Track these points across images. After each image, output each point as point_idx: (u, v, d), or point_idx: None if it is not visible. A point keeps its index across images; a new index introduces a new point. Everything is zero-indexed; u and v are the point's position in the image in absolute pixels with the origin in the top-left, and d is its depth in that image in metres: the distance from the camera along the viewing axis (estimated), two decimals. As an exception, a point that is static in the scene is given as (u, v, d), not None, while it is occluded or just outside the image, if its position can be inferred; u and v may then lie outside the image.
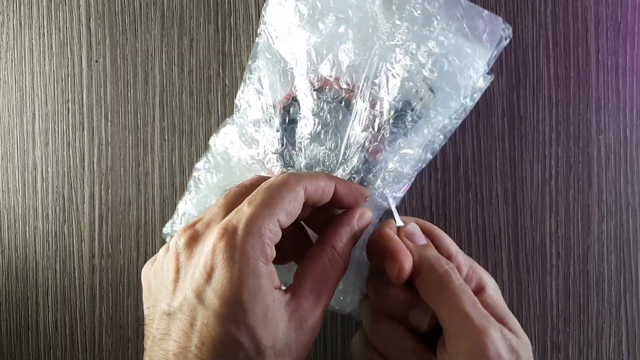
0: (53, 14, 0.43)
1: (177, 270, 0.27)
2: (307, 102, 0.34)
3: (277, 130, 0.35)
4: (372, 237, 0.32)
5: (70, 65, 0.43)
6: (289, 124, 0.35)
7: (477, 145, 0.39)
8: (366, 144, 0.33)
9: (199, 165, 0.38)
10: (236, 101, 0.37)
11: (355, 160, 0.33)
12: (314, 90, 0.34)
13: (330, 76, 0.34)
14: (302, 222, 0.34)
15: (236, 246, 0.25)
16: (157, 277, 0.28)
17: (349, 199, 0.31)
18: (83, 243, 0.43)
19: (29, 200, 0.43)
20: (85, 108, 0.43)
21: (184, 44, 0.42)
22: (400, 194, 0.35)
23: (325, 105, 0.34)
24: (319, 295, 0.28)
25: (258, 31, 0.37)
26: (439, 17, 0.34)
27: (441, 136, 0.35)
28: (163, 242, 0.42)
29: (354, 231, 0.31)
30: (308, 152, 0.34)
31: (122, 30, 0.42)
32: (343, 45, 0.34)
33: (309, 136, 0.34)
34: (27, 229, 0.43)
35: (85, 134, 0.43)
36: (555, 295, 0.39)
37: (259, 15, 0.41)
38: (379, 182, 0.34)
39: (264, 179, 0.29)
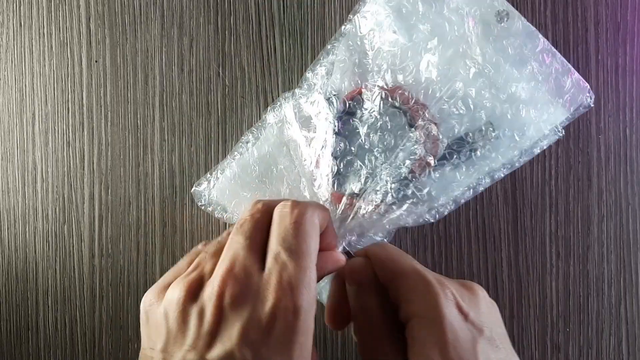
0: (53, 14, 0.43)
1: (218, 322, 0.25)
2: (373, 101, 0.34)
3: (334, 117, 0.34)
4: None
5: (70, 65, 0.43)
6: (346, 114, 0.34)
7: (477, 145, 0.40)
8: (417, 156, 0.32)
9: (246, 135, 0.38)
10: (306, 74, 0.37)
11: (402, 168, 0.33)
12: (384, 91, 0.33)
13: (403, 83, 0.33)
14: None
15: (298, 307, 0.25)
16: (174, 320, 0.26)
17: (328, 235, 0.31)
18: (83, 243, 0.43)
19: (29, 201, 0.43)
20: (85, 108, 0.43)
21: (183, 44, 0.42)
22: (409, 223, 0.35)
23: (390, 109, 0.33)
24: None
25: (349, 16, 0.37)
26: (533, 63, 0.33)
27: (487, 179, 0.35)
28: (162, 242, 0.42)
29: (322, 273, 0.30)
30: (358, 145, 0.34)
31: (122, 31, 0.42)
32: (428, 57, 0.33)
33: (366, 131, 0.33)
34: (27, 229, 0.43)
35: (85, 134, 0.42)
36: (555, 295, 0.39)
37: (259, 15, 0.41)
38: (409, 203, 0.33)
39: (273, 205, 0.29)
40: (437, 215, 0.34)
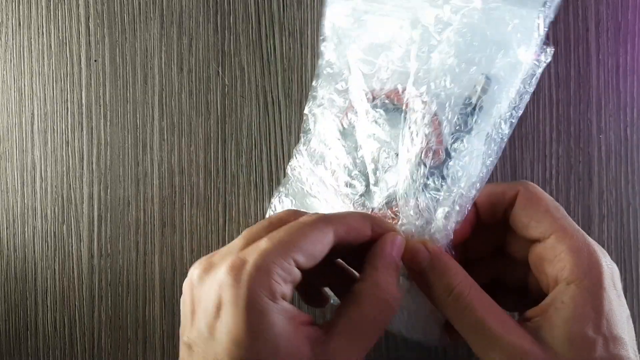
0: (52, 13, 0.43)
1: (192, 302, 0.26)
2: (364, 117, 0.33)
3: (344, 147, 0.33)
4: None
5: (69, 64, 0.43)
6: (347, 139, 0.33)
7: (477, 145, 0.39)
8: (427, 145, 0.31)
9: (279, 191, 0.37)
10: (306, 112, 0.36)
11: (416, 164, 0.31)
12: (371, 102, 0.32)
13: (385, 83, 0.32)
14: (341, 261, 0.32)
15: (241, 282, 0.24)
16: (182, 305, 0.28)
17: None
18: (82, 243, 0.42)
19: (28, 200, 0.43)
20: (84, 108, 0.42)
21: (183, 44, 0.42)
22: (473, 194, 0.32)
23: (384, 114, 0.32)
24: (354, 335, 0.26)
25: (320, 49, 0.35)
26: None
27: (504, 126, 0.32)
28: (162, 242, 0.42)
29: (390, 260, 0.28)
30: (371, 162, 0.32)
31: (122, 30, 0.42)
32: (389, 52, 0.32)
33: (375, 150, 0.32)
34: (26, 229, 0.43)
35: (84, 133, 0.42)
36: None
37: (258, 14, 0.41)
38: (448, 182, 0.31)
39: (295, 214, 0.29)
40: (474, 190, 0.32)
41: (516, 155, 0.39)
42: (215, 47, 0.41)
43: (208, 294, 0.25)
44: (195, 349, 0.26)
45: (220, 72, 0.41)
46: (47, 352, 0.43)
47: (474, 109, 0.31)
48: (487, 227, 0.31)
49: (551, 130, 0.39)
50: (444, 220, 0.31)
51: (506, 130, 0.32)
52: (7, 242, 0.43)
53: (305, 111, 0.36)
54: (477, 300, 0.27)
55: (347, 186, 0.33)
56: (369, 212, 0.32)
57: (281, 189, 0.37)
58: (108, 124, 0.42)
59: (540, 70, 0.32)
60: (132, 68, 0.42)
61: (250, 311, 0.24)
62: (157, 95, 0.42)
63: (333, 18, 0.34)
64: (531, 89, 0.32)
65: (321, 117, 0.35)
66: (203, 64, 0.41)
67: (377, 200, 0.33)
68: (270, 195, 0.40)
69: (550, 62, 0.39)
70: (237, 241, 0.28)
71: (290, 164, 0.36)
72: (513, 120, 0.32)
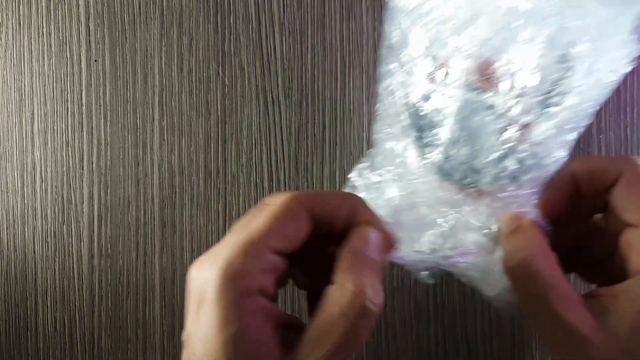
0: (52, 13, 0.43)
1: (188, 298, 0.26)
2: (435, 96, 0.31)
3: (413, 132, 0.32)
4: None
5: (70, 64, 0.43)
6: (419, 124, 0.32)
7: (477, 145, 0.39)
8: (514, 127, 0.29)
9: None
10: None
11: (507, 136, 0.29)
12: (431, 76, 0.30)
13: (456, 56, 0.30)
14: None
15: (216, 278, 0.23)
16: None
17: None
18: (82, 243, 0.42)
19: (28, 200, 0.43)
20: (84, 108, 0.42)
21: (183, 44, 0.42)
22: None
23: (457, 92, 0.30)
24: (322, 345, 0.23)
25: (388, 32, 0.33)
26: None
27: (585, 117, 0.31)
28: (162, 242, 0.42)
29: (364, 260, 0.25)
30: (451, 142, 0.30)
31: (122, 30, 0.42)
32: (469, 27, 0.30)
33: (448, 137, 0.31)
34: (26, 229, 0.43)
35: (85, 133, 0.42)
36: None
37: (258, 14, 0.41)
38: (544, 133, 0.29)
39: (276, 196, 0.27)
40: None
41: (516, 155, 0.39)
42: (215, 47, 0.41)
43: (194, 290, 0.25)
44: (189, 342, 0.25)
45: (220, 72, 0.41)
46: (47, 352, 0.43)
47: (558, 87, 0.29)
48: (586, 197, 0.29)
49: (551, 130, 0.39)
50: (529, 190, 0.30)
51: (586, 119, 0.30)
52: (7, 242, 0.43)
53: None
54: (543, 268, 0.26)
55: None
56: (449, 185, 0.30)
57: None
58: (108, 124, 0.42)
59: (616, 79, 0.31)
60: (132, 68, 0.42)
61: (223, 308, 0.23)
62: (157, 95, 0.42)
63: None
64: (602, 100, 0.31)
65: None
66: (203, 64, 0.41)
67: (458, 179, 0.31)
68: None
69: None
70: (225, 239, 0.27)
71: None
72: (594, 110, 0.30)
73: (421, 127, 0.32)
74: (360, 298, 0.23)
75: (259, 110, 0.41)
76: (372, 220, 0.27)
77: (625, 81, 0.39)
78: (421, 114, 0.32)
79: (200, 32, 0.41)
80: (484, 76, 0.30)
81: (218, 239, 0.41)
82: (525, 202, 0.30)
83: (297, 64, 0.41)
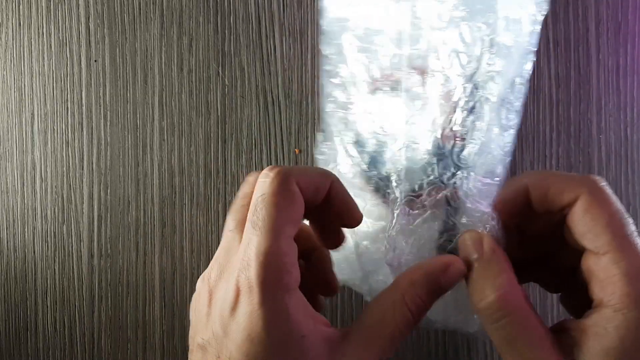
0: (52, 13, 0.43)
1: (209, 304, 0.26)
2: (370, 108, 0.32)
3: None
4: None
5: (70, 64, 0.43)
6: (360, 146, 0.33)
7: (477, 145, 0.39)
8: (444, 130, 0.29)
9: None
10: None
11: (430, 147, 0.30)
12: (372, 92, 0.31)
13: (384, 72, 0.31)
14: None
15: (253, 282, 0.24)
16: (195, 309, 0.28)
17: (346, 207, 0.29)
18: (82, 243, 0.42)
19: (28, 201, 0.43)
20: (84, 108, 0.42)
21: (183, 44, 0.42)
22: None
23: (387, 100, 0.31)
24: (371, 345, 0.25)
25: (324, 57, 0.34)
26: None
27: (512, 96, 0.31)
28: (162, 242, 0.42)
29: (437, 286, 0.26)
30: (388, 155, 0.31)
31: (122, 30, 0.42)
32: (381, 38, 0.31)
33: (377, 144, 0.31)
34: (26, 229, 0.43)
35: (85, 133, 0.42)
36: (555, 295, 0.39)
37: (258, 14, 0.41)
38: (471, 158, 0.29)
39: (256, 177, 0.28)
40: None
41: (516, 156, 0.39)
42: (215, 47, 0.41)
43: (224, 295, 0.25)
44: (209, 349, 0.25)
45: (220, 72, 0.41)
46: (47, 352, 0.43)
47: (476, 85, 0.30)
48: (541, 214, 0.29)
49: (551, 130, 0.39)
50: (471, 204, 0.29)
51: (516, 98, 0.31)
52: (7, 243, 0.43)
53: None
54: (514, 310, 0.26)
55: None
56: (392, 200, 0.31)
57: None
58: (108, 124, 0.42)
59: (538, 28, 0.31)
60: (132, 68, 0.42)
61: (269, 310, 0.24)
62: (157, 95, 0.42)
63: (329, 11, 0.34)
64: (534, 48, 0.31)
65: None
66: (203, 64, 0.41)
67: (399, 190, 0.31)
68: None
69: (550, 62, 0.40)
70: (231, 235, 0.27)
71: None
72: (521, 86, 0.31)
73: (359, 142, 0.33)
74: (411, 309, 0.26)
75: (259, 110, 0.41)
76: (347, 197, 0.29)
77: (626, 82, 0.39)
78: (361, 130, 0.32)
79: (200, 32, 0.41)
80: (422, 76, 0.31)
81: (218, 239, 0.41)
82: (483, 195, 0.30)
83: (297, 64, 0.41)
